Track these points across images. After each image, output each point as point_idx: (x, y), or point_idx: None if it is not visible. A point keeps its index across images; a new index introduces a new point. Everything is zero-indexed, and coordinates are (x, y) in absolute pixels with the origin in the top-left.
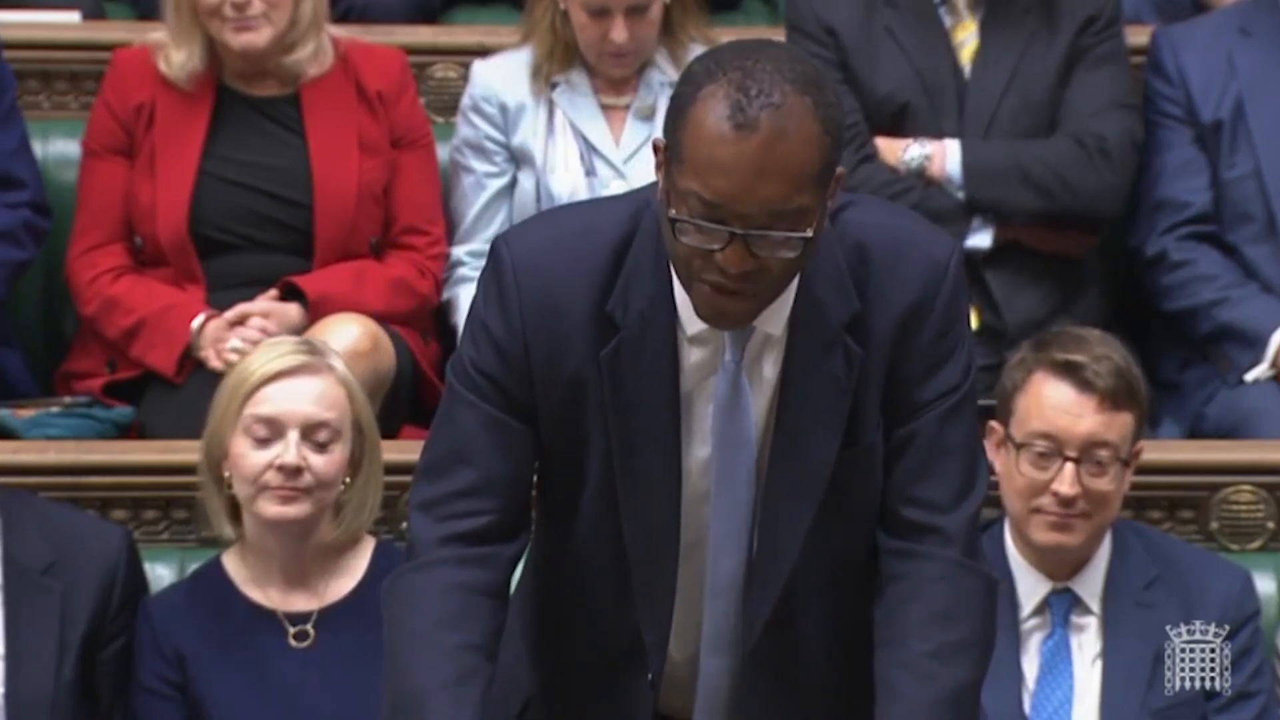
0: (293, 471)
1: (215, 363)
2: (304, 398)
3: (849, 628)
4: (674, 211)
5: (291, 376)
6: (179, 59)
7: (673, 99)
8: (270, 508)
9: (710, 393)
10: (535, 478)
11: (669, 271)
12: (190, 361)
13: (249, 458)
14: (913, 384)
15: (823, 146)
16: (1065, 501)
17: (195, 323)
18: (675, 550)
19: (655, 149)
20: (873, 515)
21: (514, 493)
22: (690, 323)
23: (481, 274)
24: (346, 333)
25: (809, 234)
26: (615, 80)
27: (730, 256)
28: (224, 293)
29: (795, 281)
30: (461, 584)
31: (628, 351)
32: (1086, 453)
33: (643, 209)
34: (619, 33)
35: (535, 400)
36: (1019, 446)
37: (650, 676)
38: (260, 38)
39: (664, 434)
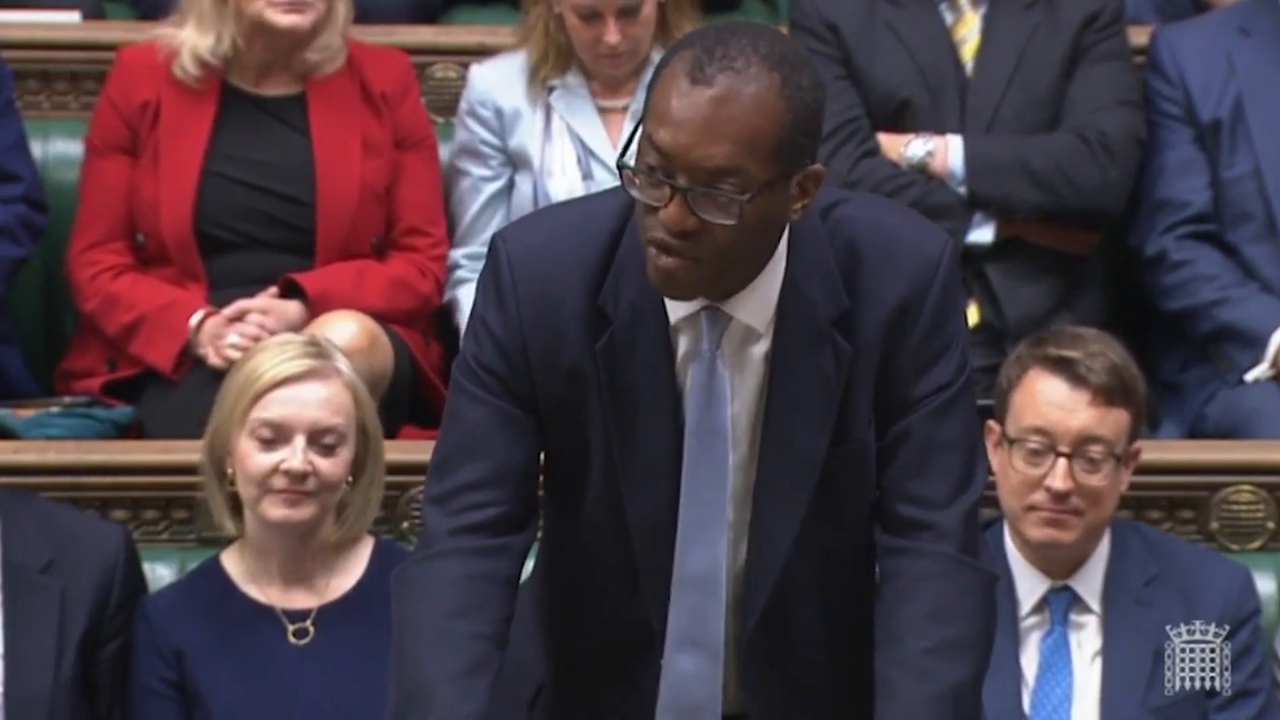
0: (299, 476)
1: (214, 359)
2: (312, 403)
3: (844, 625)
4: (623, 158)
5: (300, 382)
6: (206, 44)
7: (655, 69)
8: (275, 510)
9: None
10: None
11: None
12: (189, 359)
13: (255, 459)
14: (905, 381)
15: (782, 122)
16: (1058, 497)
17: (194, 319)
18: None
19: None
20: (865, 513)
21: (523, 483)
22: (674, 309)
23: (481, 272)
24: (344, 330)
25: (746, 198)
26: (612, 82)
27: (671, 212)
28: (225, 291)
29: (779, 276)
30: (472, 574)
31: (621, 342)
32: (1079, 448)
33: (633, 202)
34: (612, 35)
35: (536, 394)
36: (1012, 442)
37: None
38: (306, 21)
39: (662, 423)
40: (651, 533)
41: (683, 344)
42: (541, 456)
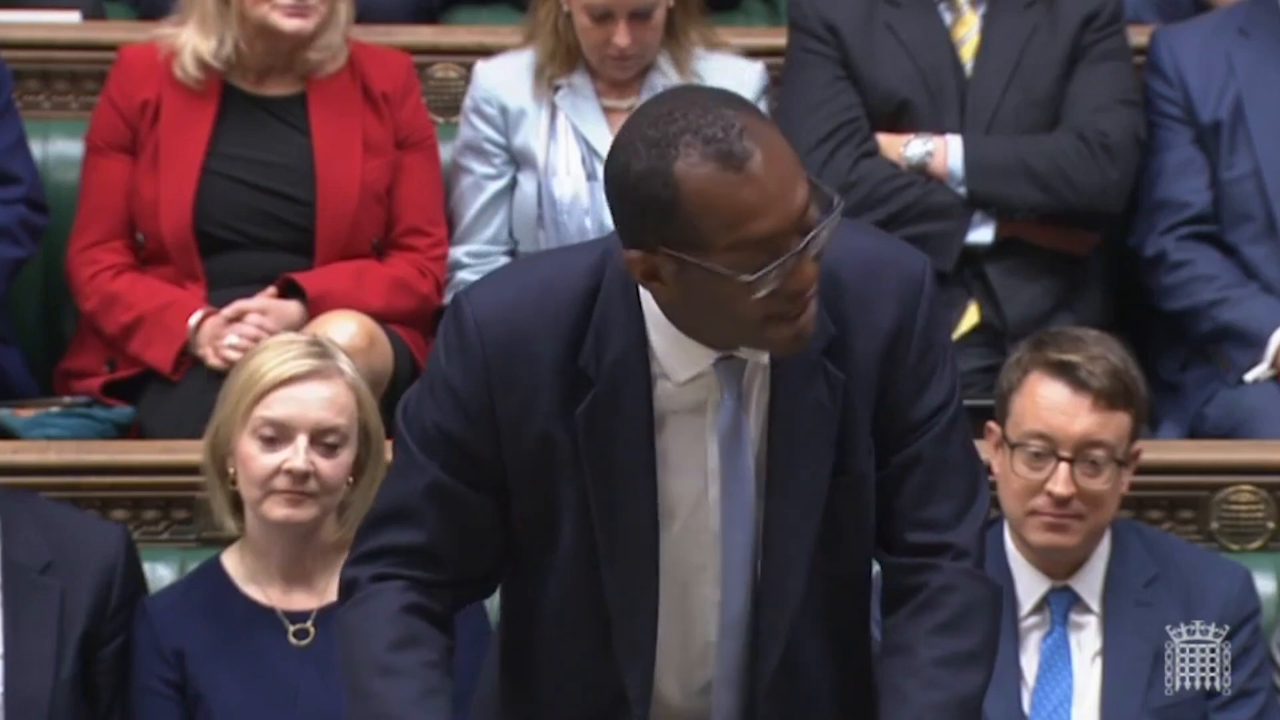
0: (301, 477)
1: (213, 360)
2: (315, 403)
3: (845, 652)
4: (745, 276)
5: (303, 382)
6: (208, 47)
7: (640, 206)
8: (277, 510)
9: (686, 437)
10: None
11: (642, 323)
12: (188, 359)
13: (257, 460)
14: (904, 405)
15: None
16: (1060, 502)
17: (193, 320)
18: (655, 604)
19: (632, 262)
20: (867, 540)
21: (457, 560)
22: (676, 370)
23: (442, 329)
24: (343, 330)
25: (837, 200)
26: (618, 83)
27: (810, 269)
28: (225, 290)
29: None
30: (407, 607)
31: (603, 406)
32: (1081, 453)
33: (605, 259)
34: (622, 37)
35: (501, 457)
36: (1014, 446)
37: None
38: (310, 24)
39: (642, 489)
40: (629, 600)
41: (676, 401)
42: (480, 533)
